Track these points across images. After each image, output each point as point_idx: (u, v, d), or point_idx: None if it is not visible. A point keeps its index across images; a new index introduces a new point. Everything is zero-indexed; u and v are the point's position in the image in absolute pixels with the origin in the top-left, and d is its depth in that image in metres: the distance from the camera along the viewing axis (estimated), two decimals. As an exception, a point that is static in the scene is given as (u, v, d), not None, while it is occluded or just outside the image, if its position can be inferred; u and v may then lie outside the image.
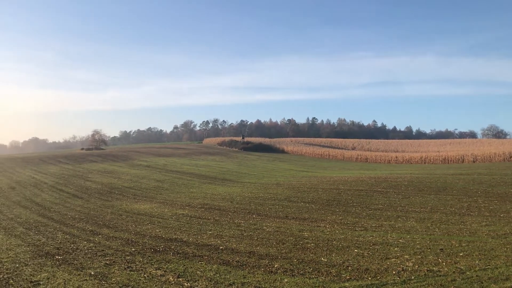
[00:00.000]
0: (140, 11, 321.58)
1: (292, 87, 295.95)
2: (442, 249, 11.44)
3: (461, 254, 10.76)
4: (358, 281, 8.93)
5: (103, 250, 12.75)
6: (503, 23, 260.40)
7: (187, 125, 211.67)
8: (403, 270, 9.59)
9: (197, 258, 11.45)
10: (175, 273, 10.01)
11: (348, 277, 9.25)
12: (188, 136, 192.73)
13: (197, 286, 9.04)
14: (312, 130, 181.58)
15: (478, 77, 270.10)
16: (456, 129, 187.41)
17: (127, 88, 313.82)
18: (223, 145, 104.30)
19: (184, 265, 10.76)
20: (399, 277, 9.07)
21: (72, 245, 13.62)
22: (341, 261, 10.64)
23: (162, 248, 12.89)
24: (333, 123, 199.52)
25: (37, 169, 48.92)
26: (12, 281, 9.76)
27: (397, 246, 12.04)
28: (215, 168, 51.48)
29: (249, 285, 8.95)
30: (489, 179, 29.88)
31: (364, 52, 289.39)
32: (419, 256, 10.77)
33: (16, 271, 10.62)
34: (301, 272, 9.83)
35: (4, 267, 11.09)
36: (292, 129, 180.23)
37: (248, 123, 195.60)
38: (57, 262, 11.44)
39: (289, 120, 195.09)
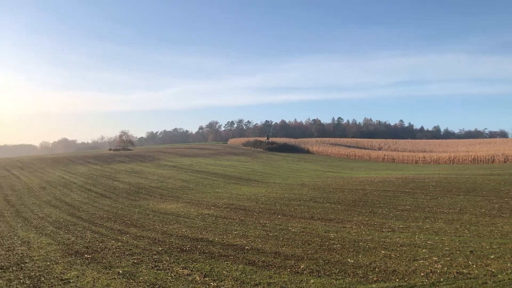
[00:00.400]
0: (166, 14, 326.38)
1: (317, 87, 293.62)
2: (472, 251, 11.19)
3: (492, 257, 10.49)
4: (385, 283, 8.83)
5: (130, 249, 13.00)
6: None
7: (212, 125, 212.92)
8: (431, 272, 9.42)
9: (223, 258, 11.54)
10: (201, 273, 10.11)
11: (375, 279, 9.15)
12: (213, 137, 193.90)
13: (223, 285, 9.12)
14: (338, 130, 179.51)
15: (508, 75, 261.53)
16: (485, 128, 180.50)
17: (153, 89, 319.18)
18: (247, 146, 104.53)
19: (210, 265, 10.86)
20: (427, 279, 8.91)
21: (100, 244, 13.94)
22: (367, 262, 10.53)
23: (188, 247, 13.03)
24: (359, 123, 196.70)
25: (67, 169, 50.18)
26: (43, 279, 10.09)
27: (425, 248, 11.83)
28: (240, 168, 51.69)
29: (275, 286, 8.96)
30: (521, 180, 28.96)
31: (390, 51, 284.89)
32: (448, 258, 10.55)
33: (47, 269, 10.97)
34: (327, 273, 9.78)
35: (36, 265, 11.47)
36: (317, 129, 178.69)
37: (273, 123, 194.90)
38: (86, 261, 11.74)
39: (314, 120, 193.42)
